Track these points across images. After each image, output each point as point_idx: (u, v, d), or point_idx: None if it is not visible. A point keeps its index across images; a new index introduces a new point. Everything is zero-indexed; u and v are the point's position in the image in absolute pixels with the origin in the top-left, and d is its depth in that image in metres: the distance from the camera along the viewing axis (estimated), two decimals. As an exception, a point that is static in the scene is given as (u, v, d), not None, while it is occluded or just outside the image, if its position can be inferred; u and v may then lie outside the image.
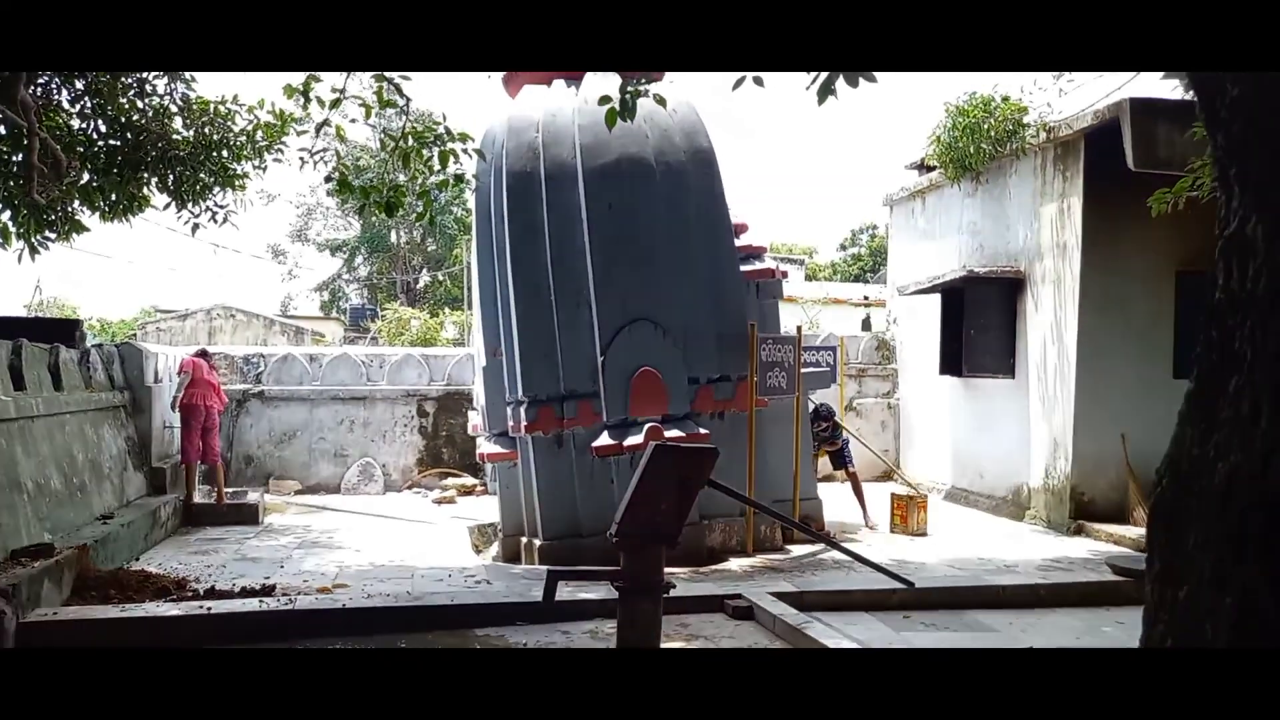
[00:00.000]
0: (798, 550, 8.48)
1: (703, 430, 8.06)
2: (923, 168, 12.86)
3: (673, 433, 7.95)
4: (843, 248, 47.16)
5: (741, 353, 8.38)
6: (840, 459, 9.96)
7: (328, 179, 7.60)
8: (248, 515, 9.67)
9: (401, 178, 7.57)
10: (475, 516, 10.48)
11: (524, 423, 8.05)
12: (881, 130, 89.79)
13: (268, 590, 6.31)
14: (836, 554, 8.25)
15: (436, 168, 7.33)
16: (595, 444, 7.96)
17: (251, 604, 5.81)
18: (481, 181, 8.63)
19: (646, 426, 7.88)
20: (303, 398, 12.24)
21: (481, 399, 8.83)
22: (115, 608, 5.74)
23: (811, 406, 9.61)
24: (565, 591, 6.56)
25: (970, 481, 11.41)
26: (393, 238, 45.56)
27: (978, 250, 11.28)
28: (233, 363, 12.18)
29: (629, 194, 8.12)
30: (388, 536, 9.24)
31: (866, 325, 26.71)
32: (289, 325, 32.17)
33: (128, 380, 9.66)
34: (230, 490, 10.50)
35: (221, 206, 8.23)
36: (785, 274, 9.87)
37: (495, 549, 9.19)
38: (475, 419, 11.86)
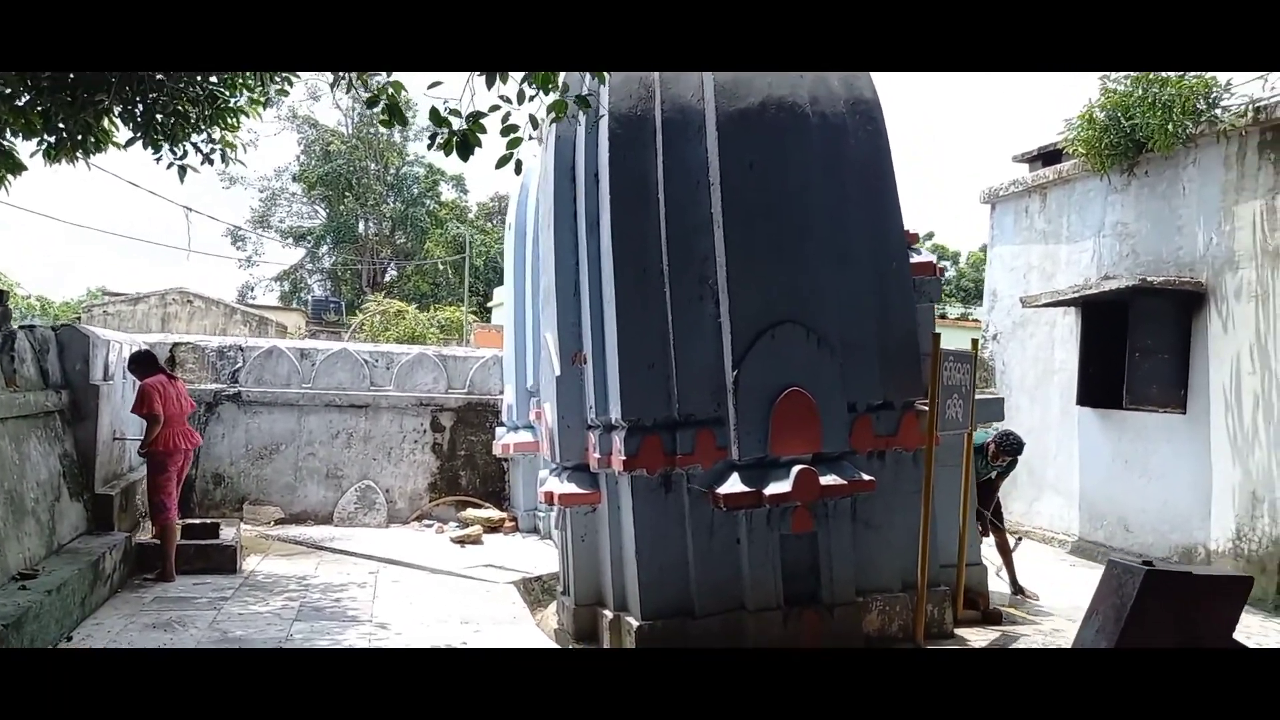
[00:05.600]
0: (971, 637, 6.40)
1: (866, 476, 5.96)
2: (1040, 159, 10.91)
3: (829, 479, 5.83)
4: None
5: (908, 372, 6.28)
6: (997, 509, 7.84)
7: (370, 103, 5.39)
8: (222, 560, 7.32)
9: (483, 107, 5.36)
10: (513, 564, 8.23)
11: (620, 456, 5.86)
12: (950, 132, 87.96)
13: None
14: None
15: (530, 94, 5.17)
16: (721, 490, 5.79)
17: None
18: (563, 127, 6.45)
19: (796, 470, 5.74)
20: (289, 403, 9.85)
21: (551, 418, 6.60)
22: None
23: (991, 433, 7.53)
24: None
25: (1109, 534, 9.42)
26: (360, 228, 43.23)
27: (1128, 256, 9.31)
28: (202, 356, 9.75)
29: (777, 150, 5.97)
30: (415, 597, 6.96)
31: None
32: (251, 314, 29.59)
33: (67, 376, 7.27)
34: (196, 521, 8.08)
35: (214, 141, 5.94)
36: (944, 270, 7.78)
37: (553, 615, 6.98)
38: (506, 437, 9.66)
